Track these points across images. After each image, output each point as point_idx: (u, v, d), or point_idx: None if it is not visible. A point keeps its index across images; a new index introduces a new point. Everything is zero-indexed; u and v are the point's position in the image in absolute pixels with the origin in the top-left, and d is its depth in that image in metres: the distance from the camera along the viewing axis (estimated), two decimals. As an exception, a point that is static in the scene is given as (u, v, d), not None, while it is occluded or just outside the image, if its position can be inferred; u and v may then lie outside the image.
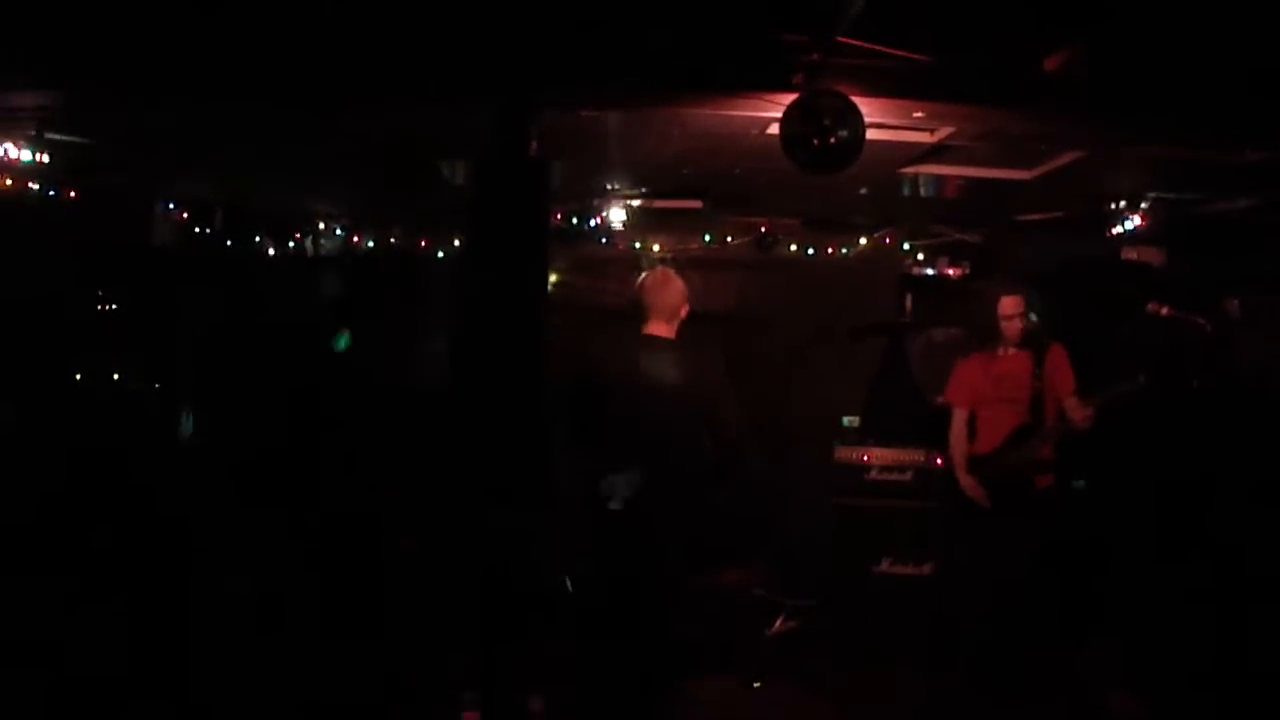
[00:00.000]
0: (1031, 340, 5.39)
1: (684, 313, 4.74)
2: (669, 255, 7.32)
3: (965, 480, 5.38)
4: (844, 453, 6.39)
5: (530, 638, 4.20)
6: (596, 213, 6.78)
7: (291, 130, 5.07)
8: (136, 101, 4.38)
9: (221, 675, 4.70)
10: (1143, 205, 5.98)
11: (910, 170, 5.50)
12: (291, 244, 7.23)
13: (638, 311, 4.75)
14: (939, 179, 5.79)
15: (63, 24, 3.75)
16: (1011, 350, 5.42)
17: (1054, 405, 5.26)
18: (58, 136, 5.06)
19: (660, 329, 4.70)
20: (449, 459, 3.79)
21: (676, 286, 4.74)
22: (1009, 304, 5.37)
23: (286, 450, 6.36)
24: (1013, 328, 5.37)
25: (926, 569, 6.08)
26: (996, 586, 5.14)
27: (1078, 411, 5.13)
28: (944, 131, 4.66)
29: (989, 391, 5.43)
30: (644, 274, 4.88)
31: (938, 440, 5.77)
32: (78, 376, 6.11)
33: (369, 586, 5.62)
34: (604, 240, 7.13)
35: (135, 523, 5.67)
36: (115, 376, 6.21)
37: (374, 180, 6.24)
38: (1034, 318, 5.47)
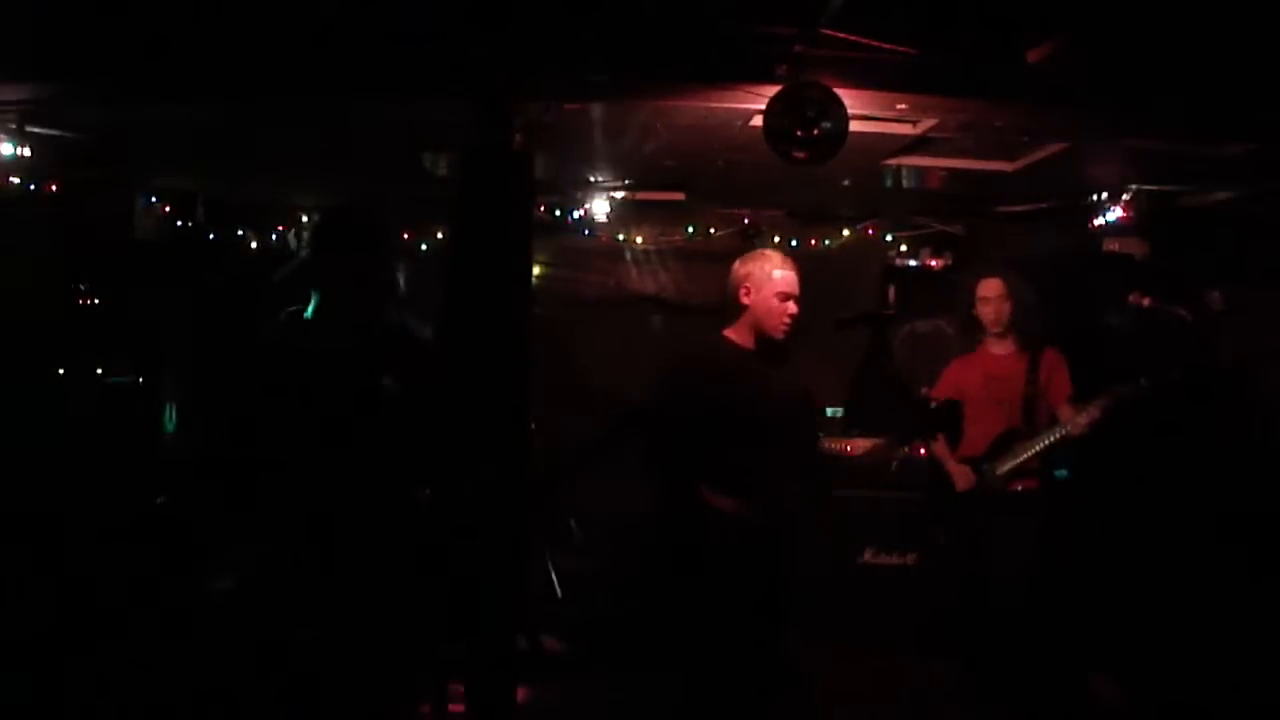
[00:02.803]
0: (1026, 339, 5.18)
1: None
2: (651, 247, 7.34)
3: (956, 468, 5.20)
4: (828, 443, 6.38)
5: (513, 629, 4.21)
6: (579, 205, 6.79)
7: (274, 123, 5.05)
8: (121, 96, 4.36)
9: (207, 667, 4.68)
10: (1125, 197, 6.01)
11: (893, 162, 5.51)
12: (274, 236, 7.19)
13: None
14: (922, 170, 5.80)
15: (45, 16, 3.74)
16: (1001, 349, 5.22)
17: (1046, 411, 5.09)
18: (40, 130, 5.03)
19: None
20: (432, 448, 3.77)
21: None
22: (989, 286, 5.20)
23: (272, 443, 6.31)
24: (988, 311, 5.18)
25: (910, 559, 6.08)
26: (986, 582, 5.06)
27: (1074, 419, 4.91)
28: (927, 123, 4.67)
29: (978, 392, 5.22)
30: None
31: (922, 431, 5.72)
32: (60, 371, 6.05)
33: (355, 576, 5.59)
34: (587, 232, 7.12)
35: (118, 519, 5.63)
36: (99, 371, 6.16)
37: (357, 172, 6.22)
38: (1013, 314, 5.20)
